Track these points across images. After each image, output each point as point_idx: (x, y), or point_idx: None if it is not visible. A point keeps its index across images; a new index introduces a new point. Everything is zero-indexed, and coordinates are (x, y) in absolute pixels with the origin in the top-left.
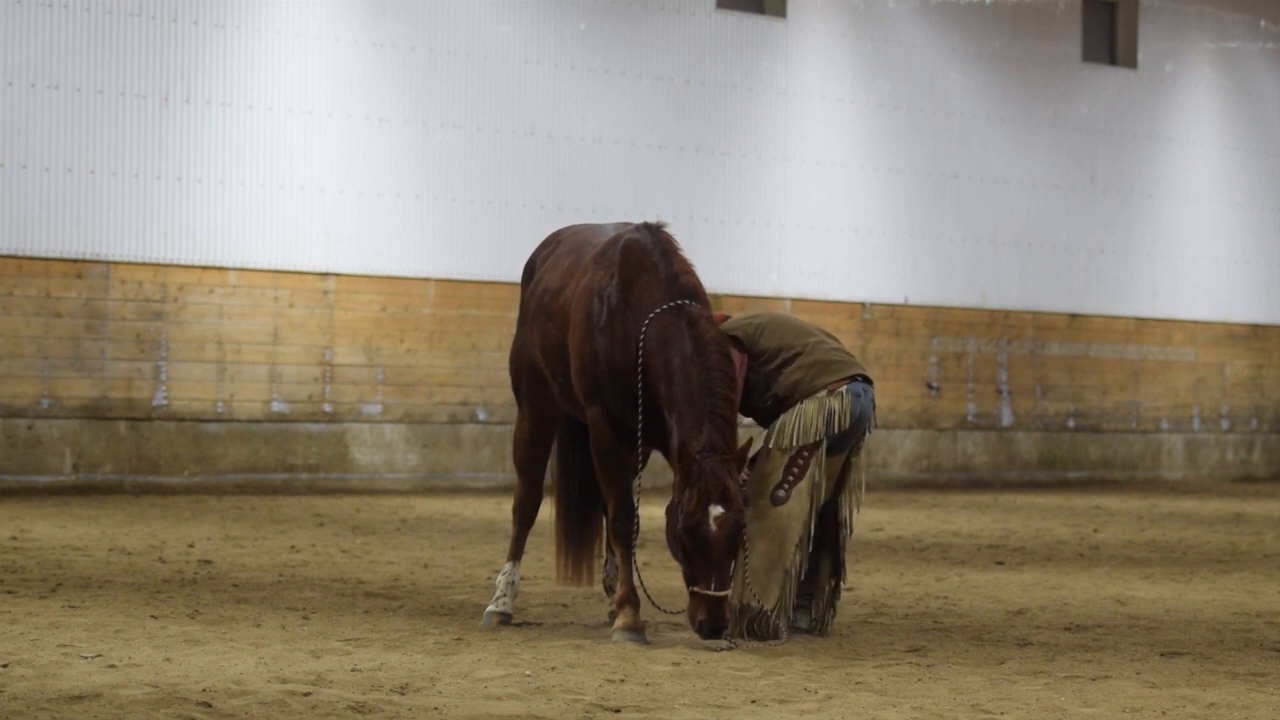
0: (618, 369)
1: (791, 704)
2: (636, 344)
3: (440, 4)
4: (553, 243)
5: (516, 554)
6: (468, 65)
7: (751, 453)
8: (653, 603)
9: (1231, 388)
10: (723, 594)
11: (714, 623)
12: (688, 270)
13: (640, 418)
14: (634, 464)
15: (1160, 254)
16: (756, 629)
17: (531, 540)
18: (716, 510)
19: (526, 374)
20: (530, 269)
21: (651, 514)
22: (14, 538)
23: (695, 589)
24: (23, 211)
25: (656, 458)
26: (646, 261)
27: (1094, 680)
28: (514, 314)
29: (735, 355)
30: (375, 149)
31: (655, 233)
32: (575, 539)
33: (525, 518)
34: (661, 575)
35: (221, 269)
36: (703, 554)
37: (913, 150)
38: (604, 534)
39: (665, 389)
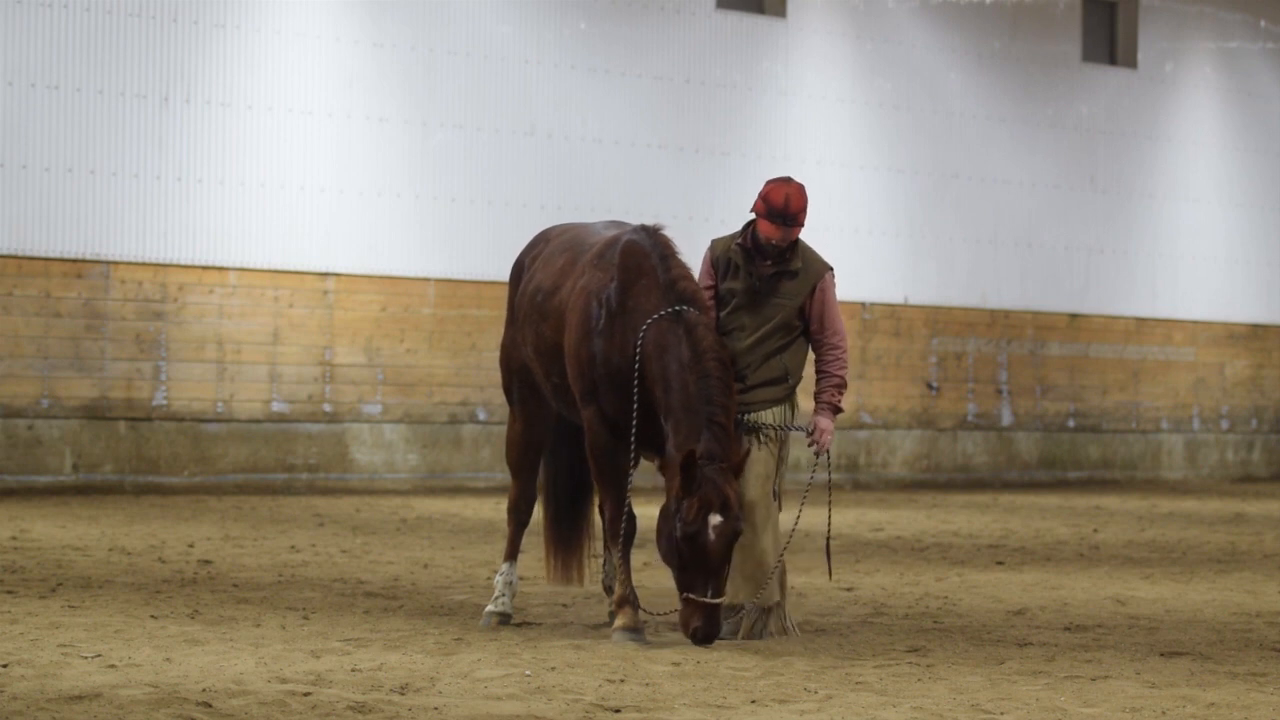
0: (615, 372)
1: (791, 704)
2: (634, 348)
3: (440, 4)
4: (542, 241)
5: (513, 554)
6: (468, 65)
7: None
8: (642, 608)
9: (1231, 388)
10: (719, 601)
11: (709, 629)
12: (686, 275)
13: (635, 422)
14: (629, 464)
15: (1160, 254)
16: (760, 629)
17: (529, 540)
18: (716, 519)
19: (518, 374)
20: (519, 268)
21: (650, 514)
22: (14, 538)
23: (690, 595)
24: (23, 211)
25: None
26: (645, 265)
27: (1094, 680)
28: None
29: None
30: (375, 149)
31: (653, 235)
32: (565, 539)
33: (520, 518)
34: (661, 575)
35: (221, 269)
36: (700, 562)
37: (913, 150)
38: (593, 533)
39: (662, 394)
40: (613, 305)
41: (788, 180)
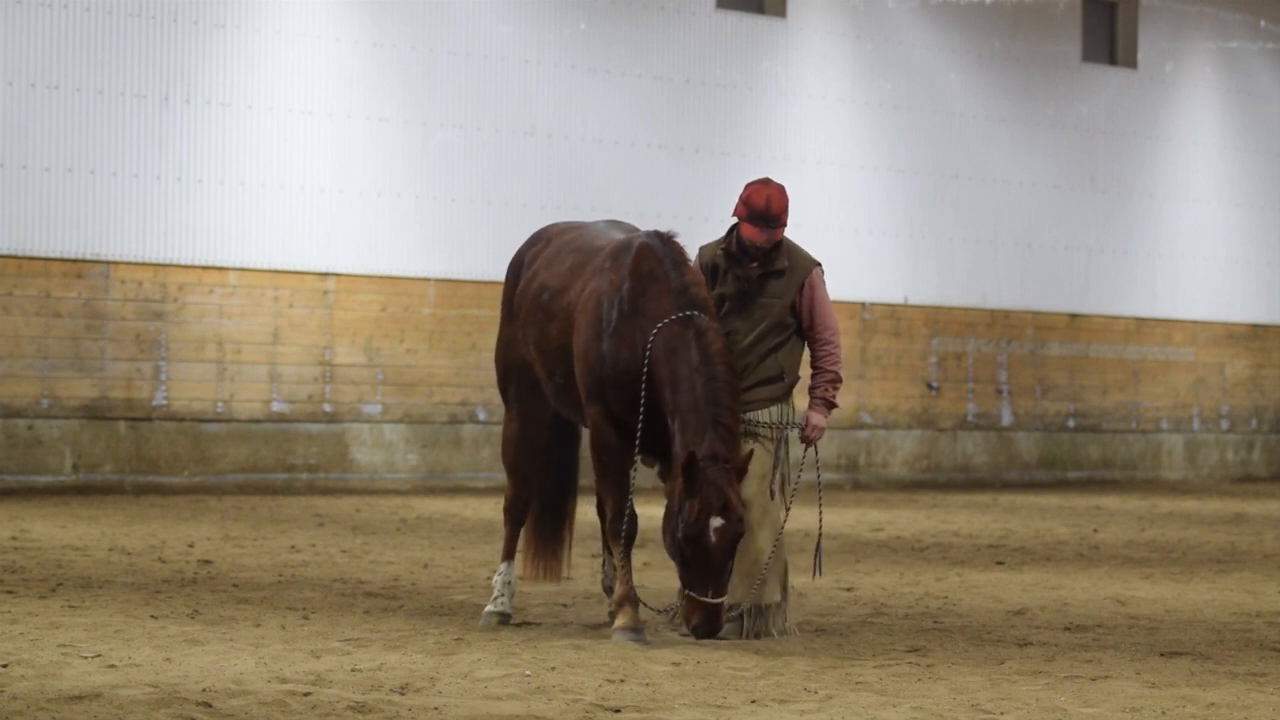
0: (622, 372)
1: (791, 704)
2: (644, 351)
3: (440, 4)
4: (542, 240)
5: (511, 554)
6: (468, 65)
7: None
8: (646, 605)
9: (1231, 388)
10: (720, 601)
11: (709, 626)
12: (698, 282)
13: (640, 423)
14: (631, 463)
15: (1160, 254)
16: (763, 627)
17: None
18: (717, 521)
19: (516, 372)
20: (518, 265)
21: (650, 514)
22: (14, 538)
23: (692, 594)
24: (23, 211)
25: None
26: (658, 270)
27: (1094, 680)
28: None
29: None
30: (375, 149)
31: (666, 242)
32: (543, 537)
33: (517, 517)
34: (662, 575)
35: (221, 269)
36: (702, 563)
37: (913, 150)
38: (571, 532)
39: (670, 396)
40: (624, 307)
41: (767, 182)
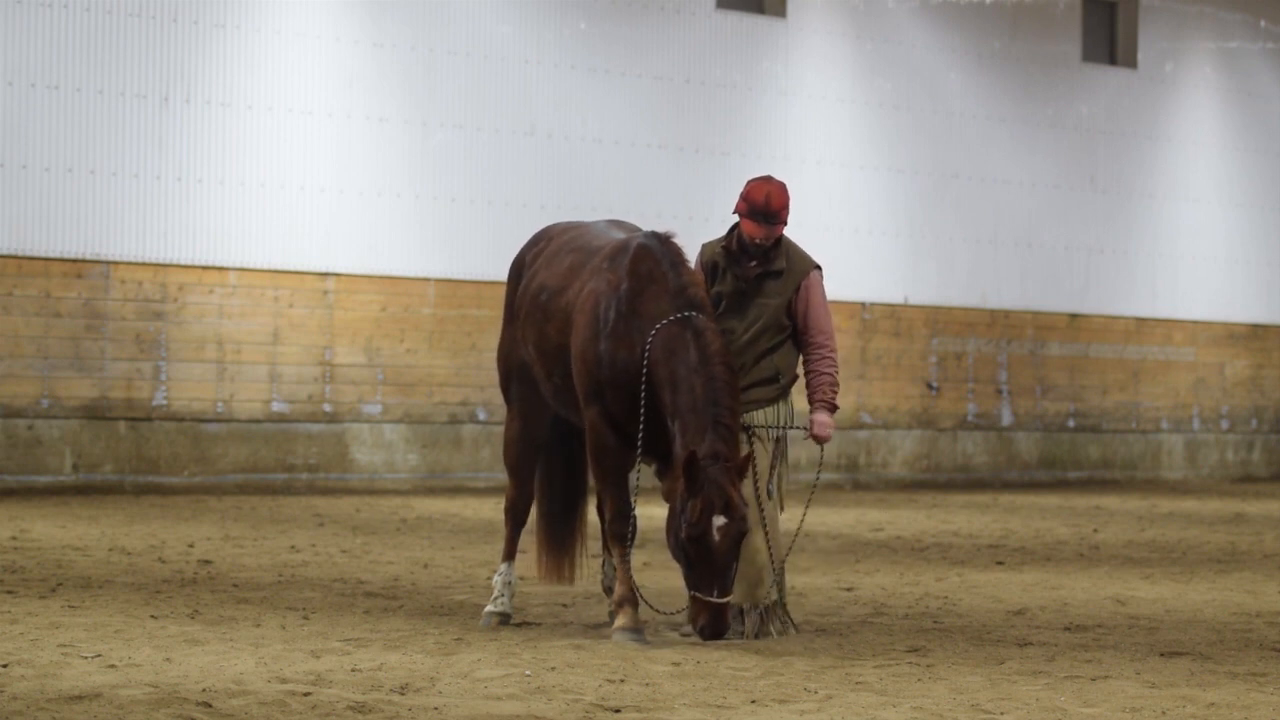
0: (621, 373)
1: (791, 704)
2: (642, 351)
3: (440, 4)
4: (543, 240)
5: (511, 554)
6: (468, 65)
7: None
8: (650, 605)
9: (1231, 388)
10: (725, 600)
11: (716, 626)
12: (696, 282)
13: (642, 425)
14: (632, 464)
15: (1160, 254)
16: (764, 628)
17: (527, 539)
18: (720, 520)
19: (517, 373)
20: (519, 266)
21: (651, 514)
22: (14, 538)
23: (697, 594)
24: (23, 211)
25: None
26: (656, 271)
27: (1094, 680)
28: None
29: None
30: (375, 149)
31: (664, 242)
32: (558, 538)
33: (518, 517)
34: (662, 575)
35: (221, 269)
36: (706, 563)
37: (913, 150)
38: (584, 532)
39: (670, 397)
40: (623, 308)
41: (768, 179)
